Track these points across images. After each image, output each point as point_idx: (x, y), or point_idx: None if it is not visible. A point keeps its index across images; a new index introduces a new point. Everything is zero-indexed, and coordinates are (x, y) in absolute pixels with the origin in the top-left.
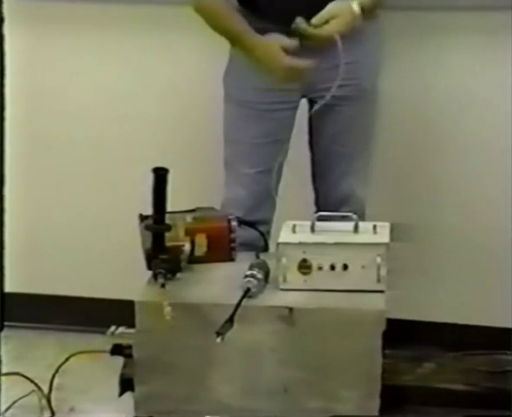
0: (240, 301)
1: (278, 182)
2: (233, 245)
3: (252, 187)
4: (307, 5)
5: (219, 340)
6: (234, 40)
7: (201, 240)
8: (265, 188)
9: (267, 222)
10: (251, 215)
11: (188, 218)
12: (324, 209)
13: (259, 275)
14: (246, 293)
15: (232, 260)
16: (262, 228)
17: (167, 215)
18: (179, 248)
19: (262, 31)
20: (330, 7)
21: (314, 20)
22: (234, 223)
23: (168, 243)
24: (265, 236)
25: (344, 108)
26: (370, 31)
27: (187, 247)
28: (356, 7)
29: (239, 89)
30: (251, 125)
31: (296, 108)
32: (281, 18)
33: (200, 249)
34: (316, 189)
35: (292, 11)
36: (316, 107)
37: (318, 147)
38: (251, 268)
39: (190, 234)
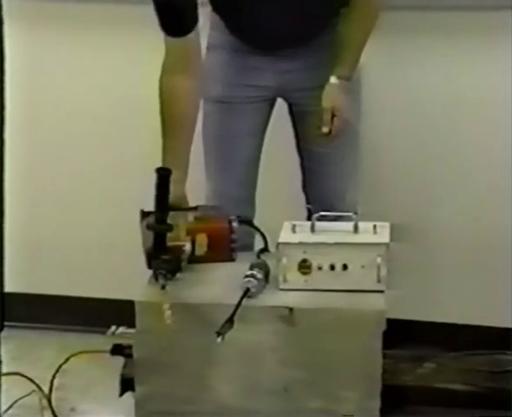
0: (240, 301)
1: (253, 179)
2: (233, 245)
3: (229, 183)
4: (292, 34)
5: (219, 340)
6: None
7: (202, 240)
8: (242, 184)
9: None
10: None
11: (190, 217)
12: (315, 212)
13: (259, 275)
14: (246, 293)
15: (232, 260)
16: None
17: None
18: (180, 248)
19: (248, 53)
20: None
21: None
22: (235, 224)
23: (169, 243)
24: (265, 237)
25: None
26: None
27: (188, 247)
28: (335, 80)
29: (217, 85)
30: (221, 119)
31: (271, 104)
32: (266, 45)
33: (201, 249)
34: (306, 193)
35: (277, 40)
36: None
37: (305, 150)
38: (251, 268)
39: (191, 233)
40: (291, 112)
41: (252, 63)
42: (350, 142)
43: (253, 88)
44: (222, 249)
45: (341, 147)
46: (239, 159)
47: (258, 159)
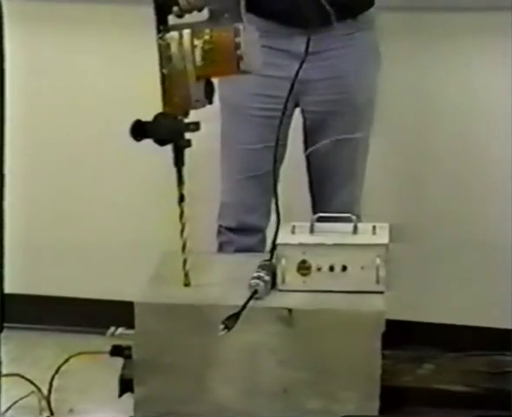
0: (247, 301)
1: (274, 189)
2: (239, 52)
3: (243, 193)
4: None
5: (225, 332)
6: None
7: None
8: (256, 194)
9: (260, 230)
10: (243, 222)
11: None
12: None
13: (267, 277)
14: (254, 294)
15: (241, 72)
16: (255, 237)
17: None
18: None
19: (266, 33)
20: None
21: None
22: (241, 27)
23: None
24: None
25: (337, 123)
26: (361, 44)
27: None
28: None
29: (231, 93)
30: (243, 130)
31: (290, 115)
32: (284, 19)
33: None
34: (313, 197)
35: (294, 11)
36: (310, 149)
37: (314, 158)
38: (259, 269)
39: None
40: (304, 126)
41: (268, 71)
42: (360, 156)
43: (272, 97)
44: (226, 56)
45: (350, 160)
46: (256, 170)
47: (278, 173)
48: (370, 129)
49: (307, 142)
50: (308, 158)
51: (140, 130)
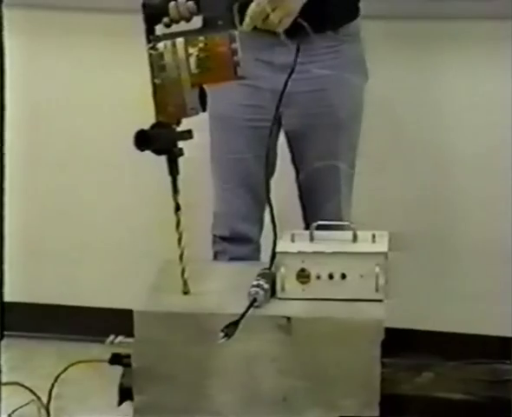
0: (247, 310)
1: (266, 199)
2: (236, 59)
3: (235, 202)
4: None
5: (223, 340)
6: None
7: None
8: (248, 202)
9: (253, 239)
10: (235, 231)
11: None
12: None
13: (266, 286)
14: (253, 302)
15: (238, 78)
16: (248, 246)
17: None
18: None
19: (249, 44)
20: None
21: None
22: (236, 33)
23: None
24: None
25: (322, 134)
26: (344, 57)
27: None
28: None
29: (219, 103)
30: (231, 140)
31: (279, 125)
32: (265, 30)
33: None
34: (303, 206)
35: None
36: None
37: (301, 168)
38: (258, 277)
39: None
40: (287, 138)
41: (252, 82)
42: (345, 166)
43: (259, 108)
44: (222, 63)
45: (337, 169)
46: (245, 180)
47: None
48: (355, 144)
49: (294, 153)
50: (296, 169)
51: (143, 140)
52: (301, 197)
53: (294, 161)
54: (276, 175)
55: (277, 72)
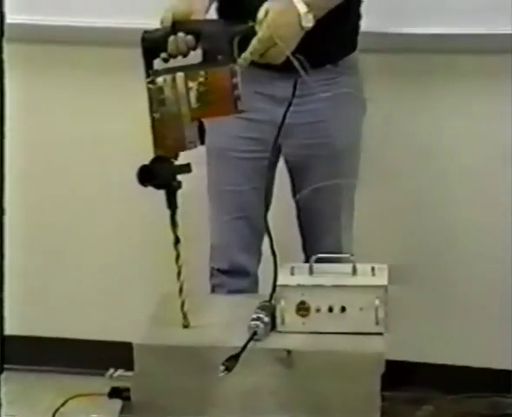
0: (247, 343)
1: (265, 230)
2: (236, 93)
3: (232, 234)
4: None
5: (223, 373)
6: None
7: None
8: (245, 234)
9: (251, 272)
10: (233, 263)
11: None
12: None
13: (266, 319)
14: (253, 336)
15: (238, 111)
16: (246, 279)
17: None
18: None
19: (249, 77)
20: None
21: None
22: (236, 67)
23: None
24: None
25: (320, 166)
26: (342, 89)
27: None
28: (299, 5)
29: (216, 136)
30: (229, 172)
31: (276, 158)
32: (265, 64)
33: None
34: (303, 237)
35: None
36: (299, 195)
37: (301, 201)
38: (258, 310)
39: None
40: (288, 170)
41: (250, 115)
42: (346, 200)
43: (254, 140)
44: (223, 97)
45: (337, 202)
46: (242, 211)
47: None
48: (354, 174)
49: (294, 185)
50: (297, 202)
51: (146, 176)
52: (301, 227)
53: (294, 190)
54: (273, 206)
55: (277, 105)
